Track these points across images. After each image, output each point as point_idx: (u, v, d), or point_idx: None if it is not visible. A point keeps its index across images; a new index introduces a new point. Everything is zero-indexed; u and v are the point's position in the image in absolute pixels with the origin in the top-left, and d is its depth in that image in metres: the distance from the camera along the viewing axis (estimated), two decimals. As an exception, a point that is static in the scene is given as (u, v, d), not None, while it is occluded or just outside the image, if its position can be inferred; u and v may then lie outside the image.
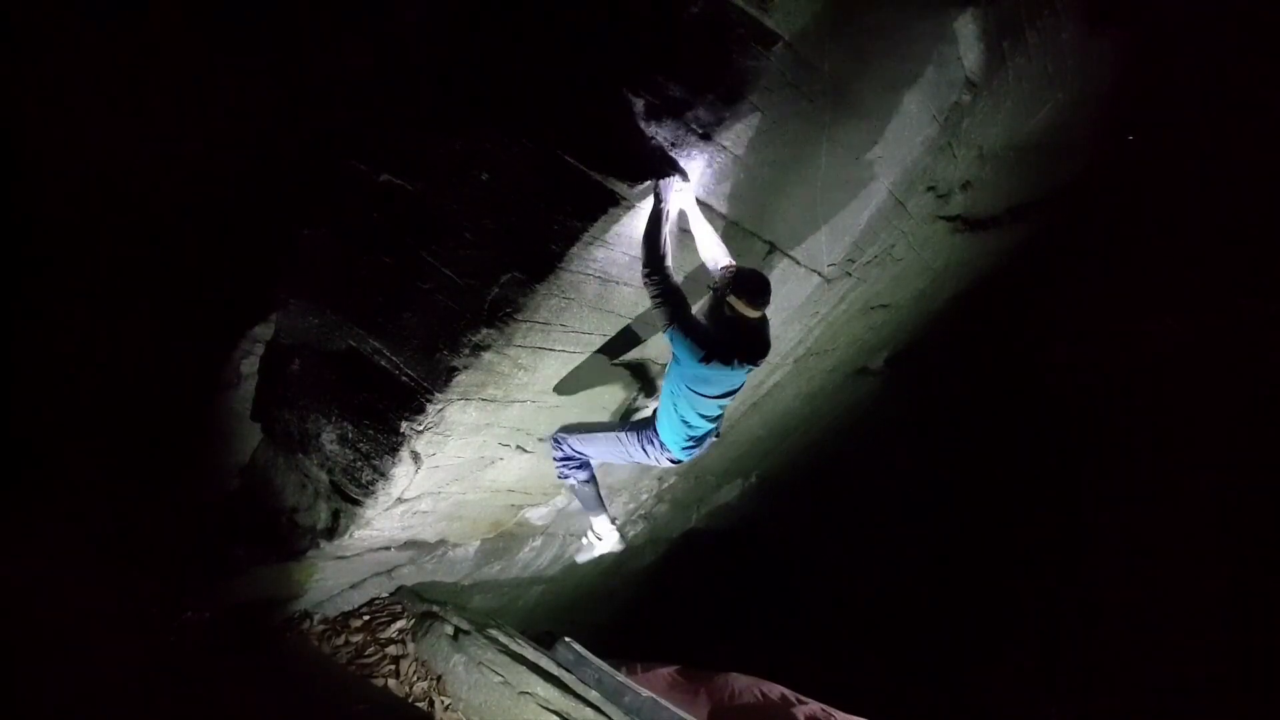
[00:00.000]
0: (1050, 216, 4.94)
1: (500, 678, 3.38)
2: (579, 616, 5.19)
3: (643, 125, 2.31)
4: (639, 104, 2.29)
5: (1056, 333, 6.78)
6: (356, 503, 2.91)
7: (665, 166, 2.34)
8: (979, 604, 7.27)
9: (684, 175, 2.39)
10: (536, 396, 2.99)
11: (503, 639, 3.69)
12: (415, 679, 3.37)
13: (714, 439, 2.97)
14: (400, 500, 2.99)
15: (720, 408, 2.75)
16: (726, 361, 2.44)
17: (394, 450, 2.74)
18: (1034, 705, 6.51)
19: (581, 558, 3.52)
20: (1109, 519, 6.79)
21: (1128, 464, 6.69)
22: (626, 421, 3.31)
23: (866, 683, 5.91)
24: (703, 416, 2.73)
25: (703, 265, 2.56)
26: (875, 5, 2.53)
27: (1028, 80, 3.27)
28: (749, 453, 5.85)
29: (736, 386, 2.65)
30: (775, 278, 3.19)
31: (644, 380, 3.46)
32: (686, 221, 2.55)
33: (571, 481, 3.17)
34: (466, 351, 2.56)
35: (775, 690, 4.17)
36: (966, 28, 2.78)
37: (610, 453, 3.07)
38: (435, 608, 3.78)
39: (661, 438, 2.86)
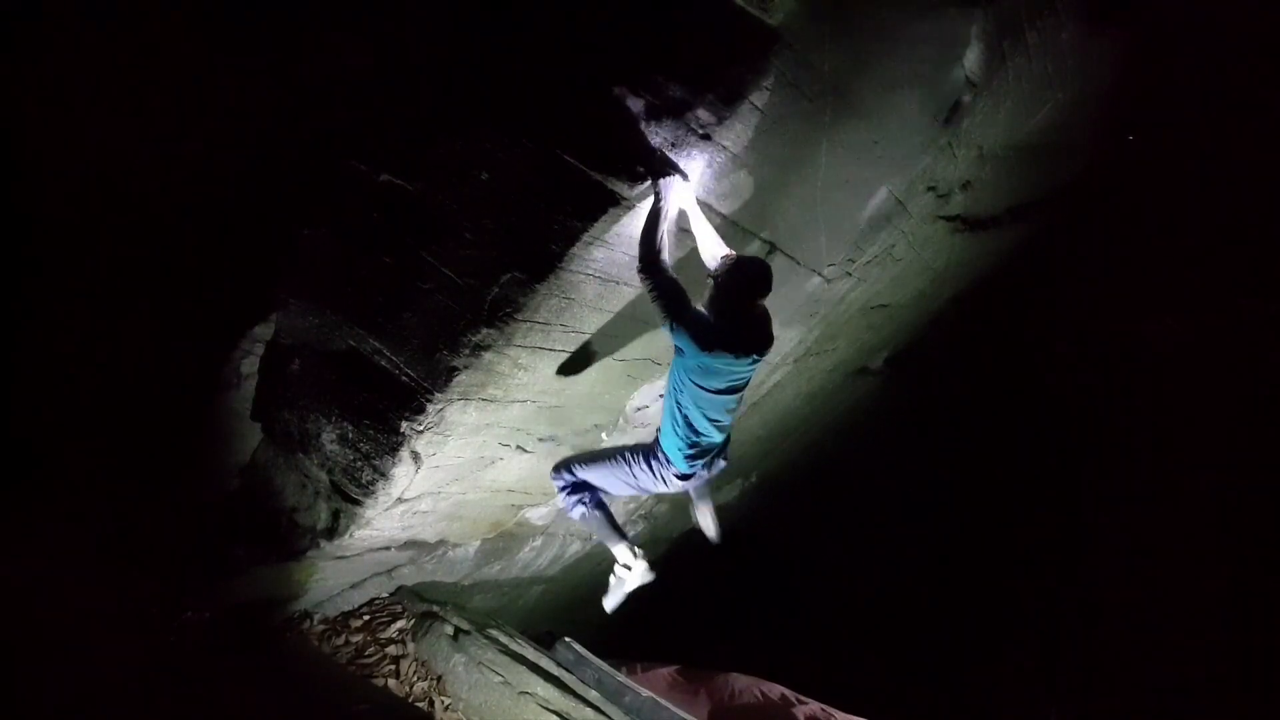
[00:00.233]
0: (1050, 216, 4.94)
1: (500, 678, 3.38)
2: (579, 616, 5.19)
3: (643, 125, 2.31)
4: (639, 104, 2.29)
5: (1056, 333, 6.78)
6: (356, 503, 2.91)
7: (665, 166, 2.34)
8: (979, 604, 7.27)
9: (684, 175, 2.39)
10: (536, 396, 2.99)
11: (503, 639, 3.69)
12: (415, 679, 3.37)
13: (723, 463, 2.83)
14: (400, 500, 2.99)
15: (726, 410, 2.61)
16: (729, 349, 2.38)
17: (394, 450, 2.74)
18: (1034, 705, 6.51)
19: (610, 602, 3.03)
20: (1109, 519, 6.79)
21: (1128, 464, 6.69)
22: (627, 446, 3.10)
23: (866, 683, 5.91)
24: (708, 420, 2.57)
25: (703, 264, 2.55)
26: (875, 5, 2.53)
27: (1028, 80, 3.27)
28: (749, 453, 5.85)
29: (741, 381, 2.54)
30: (775, 278, 3.20)
31: (645, 381, 3.46)
32: (687, 221, 2.54)
33: (581, 510, 2.94)
34: (466, 351, 2.56)
35: (775, 690, 4.17)
36: (966, 28, 2.78)
37: (614, 476, 2.88)
38: (435, 608, 3.78)
39: (664, 448, 2.69)
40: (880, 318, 4.97)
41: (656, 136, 2.33)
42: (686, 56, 2.30)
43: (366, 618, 3.63)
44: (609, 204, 2.34)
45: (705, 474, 2.83)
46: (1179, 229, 5.63)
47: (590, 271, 2.54)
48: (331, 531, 2.99)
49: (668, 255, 2.34)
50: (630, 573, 2.95)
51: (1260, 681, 5.70)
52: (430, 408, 2.65)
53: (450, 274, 2.54)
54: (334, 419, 2.82)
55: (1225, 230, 5.61)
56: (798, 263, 3.28)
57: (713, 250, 2.47)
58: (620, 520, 3.20)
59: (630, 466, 2.81)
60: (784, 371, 4.65)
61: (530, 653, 3.68)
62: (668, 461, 2.71)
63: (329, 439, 2.84)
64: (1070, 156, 4.29)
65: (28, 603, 2.64)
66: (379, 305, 2.68)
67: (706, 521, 3.32)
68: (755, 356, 2.48)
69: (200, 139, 2.89)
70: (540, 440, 3.30)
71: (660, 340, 3.02)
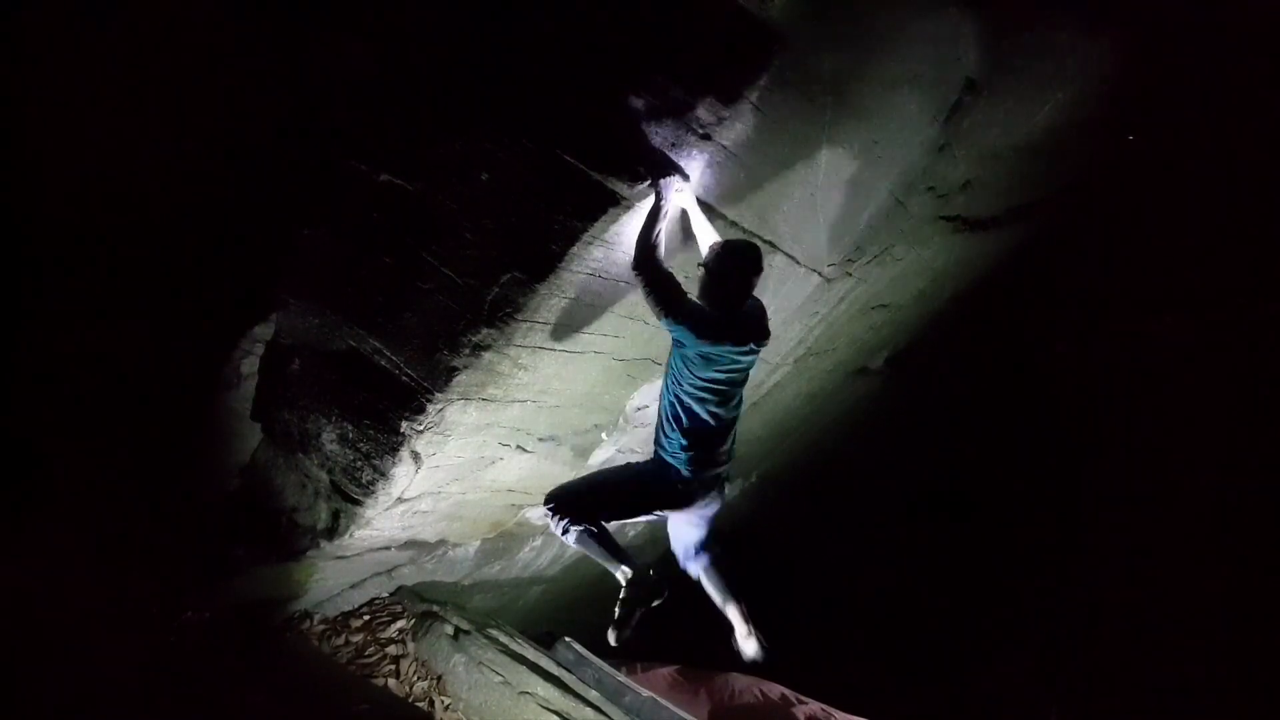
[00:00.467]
0: (1050, 216, 4.93)
1: (500, 677, 3.38)
2: (579, 616, 5.19)
3: (643, 125, 2.31)
4: (639, 104, 2.29)
5: (1056, 333, 6.77)
6: (357, 503, 2.91)
7: (665, 166, 2.34)
8: (979, 604, 7.27)
9: (684, 175, 2.39)
10: (536, 396, 2.99)
11: (503, 639, 3.69)
12: (415, 679, 3.37)
13: (726, 480, 2.74)
14: (400, 500, 2.99)
15: (726, 403, 2.50)
16: (728, 336, 2.35)
17: (394, 450, 2.75)
18: (1034, 705, 6.50)
19: (616, 636, 2.76)
20: (1109, 519, 6.79)
21: (1128, 464, 6.69)
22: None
23: (866, 683, 5.90)
24: (708, 412, 2.45)
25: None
26: (875, 5, 2.53)
27: (1028, 80, 3.27)
28: (749, 453, 5.85)
29: (740, 375, 2.48)
30: (775, 277, 3.20)
31: (645, 380, 3.46)
32: (687, 222, 2.54)
33: (575, 534, 2.68)
34: (466, 351, 2.56)
35: (775, 690, 4.17)
36: (966, 28, 2.78)
37: (608, 497, 2.72)
38: (435, 608, 3.78)
39: (665, 448, 2.56)
40: (880, 318, 4.97)
41: (656, 136, 2.33)
42: (686, 56, 2.30)
43: (366, 617, 3.63)
44: (609, 204, 2.34)
45: (705, 495, 2.67)
46: (1179, 229, 5.63)
47: (590, 271, 2.54)
48: (331, 531, 2.99)
49: (664, 254, 2.34)
50: (638, 597, 2.74)
51: (1260, 681, 5.70)
52: (430, 407, 2.65)
53: (450, 274, 2.54)
54: (334, 419, 2.82)
55: (1225, 230, 5.60)
56: (798, 263, 3.28)
57: None
58: (629, 533, 3.13)
59: (630, 480, 2.70)
60: (784, 371, 4.65)
61: (530, 653, 3.68)
62: (668, 463, 2.58)
63: (329, 439, 2.84)
64: (1070, 156, 4.28)
65: (28, 603, 2.64)
66: (379, 305, 2.68)
67: (739, 624, 2.99)
68: (753, 346, 2.46)
69: (200, 139, 2.89)
70: (540, 440, 3.30)
71: (660, 340, 3.00)
